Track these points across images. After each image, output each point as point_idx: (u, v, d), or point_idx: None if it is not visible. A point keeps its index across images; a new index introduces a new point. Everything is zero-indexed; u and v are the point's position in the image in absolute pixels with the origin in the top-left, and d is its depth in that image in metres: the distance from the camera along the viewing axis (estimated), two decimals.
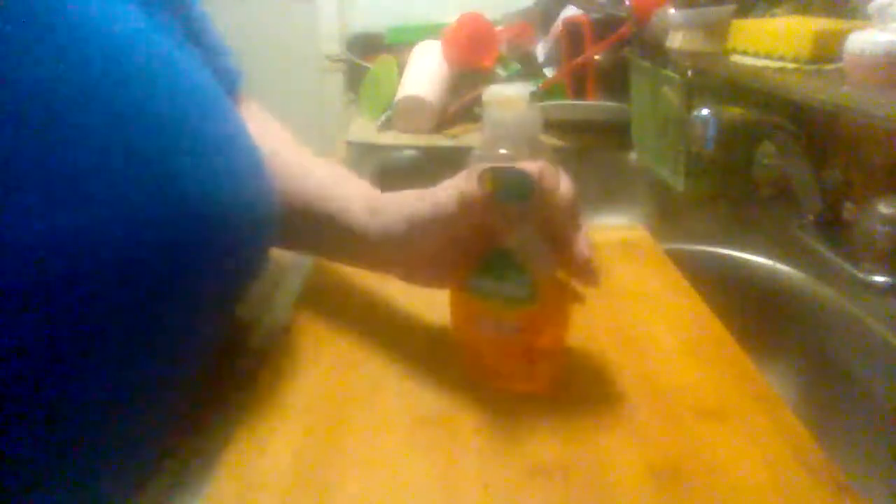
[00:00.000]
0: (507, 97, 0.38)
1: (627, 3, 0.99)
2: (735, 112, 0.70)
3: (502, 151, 0.38)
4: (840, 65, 0.60)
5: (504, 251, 0.39)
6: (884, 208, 0.60)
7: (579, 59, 1.11)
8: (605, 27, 1.08)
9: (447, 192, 0.41)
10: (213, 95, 0.40)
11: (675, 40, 0.82)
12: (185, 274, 0.34)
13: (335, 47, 1.73)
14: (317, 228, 0.49)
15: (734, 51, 0.75)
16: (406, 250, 0.44)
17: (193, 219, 0.33)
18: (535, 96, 0.35)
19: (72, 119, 0.29)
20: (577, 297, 0.45)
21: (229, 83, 0.52)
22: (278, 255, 0.65)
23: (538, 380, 0.43)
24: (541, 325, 0.41)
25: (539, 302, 0.39)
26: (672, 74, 0.85)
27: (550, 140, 1.08)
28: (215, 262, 0.36)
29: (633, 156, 1.02)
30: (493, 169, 0.38)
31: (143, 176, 0.31)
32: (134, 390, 0.34)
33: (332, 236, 0.49)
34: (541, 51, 1.26)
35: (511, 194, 0.38)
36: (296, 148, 0.54)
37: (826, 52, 0.64)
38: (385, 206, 0.46)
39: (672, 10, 0.82)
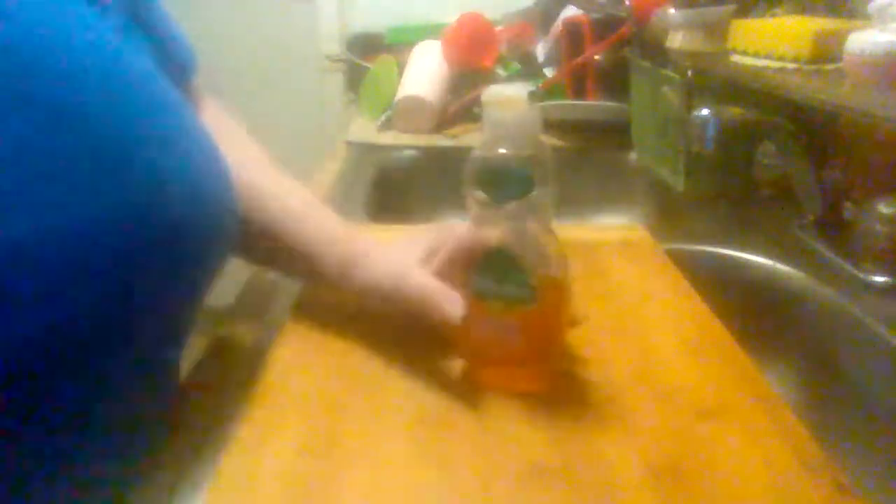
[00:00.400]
0: (507, 97, 0.39)
1: (627, 3, 0.99)
2: (735, 112, 0.70)
3: (502, 151, 0.39)
4: (840, 65, 0.60)
5: (502, 251, 0.39)
6: (884, 208, 0.60)
7: (579, 59, 1.11)
8: (605, 27, 1.08)
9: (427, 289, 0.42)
10: (158, 89, 0.38)
11: (675, 40, 0.82)
12: (139, 270, 0.33)
13: (335, 47, 1.73)
14: (288, 261, 0.50)
15: (734, 51, 0.75)
16: (383, 300, 0.46)
17: (142, 213, 0.32)
18: (534, 96, 0.35)
19: (5, 121, 0.28)
20: (576, 320, 0.46)
21: (182, 73, 0.49)
22: None
23: (539, 380, 0.43)
24: (541, 325, 0.41)
25: (539, 302, 0.39)
26: (672, 74, 0.85)
27: (551, 140, 1.08)
28: (172, 256, 0.35)
29: (633, 156, 1.02)
30: (490, 168, 0.38)
31: (84, 176, 0.30)
32: (101, 390, 0.33)
33: (303, 273, 0.50)
34: (541, 51, 1.26)
35: (507, 193, 0.38)
36: (265, 168, 0.52)
37: (826, 52, 0.64)
38: (364, 263, 0.47)
39: (672, 10, 0.82)
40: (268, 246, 0.49)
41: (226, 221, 0.40)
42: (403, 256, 0.47)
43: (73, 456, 0.33)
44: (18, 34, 0.30)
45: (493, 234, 0.40)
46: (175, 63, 0.47)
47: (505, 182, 0.39)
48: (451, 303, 0.41)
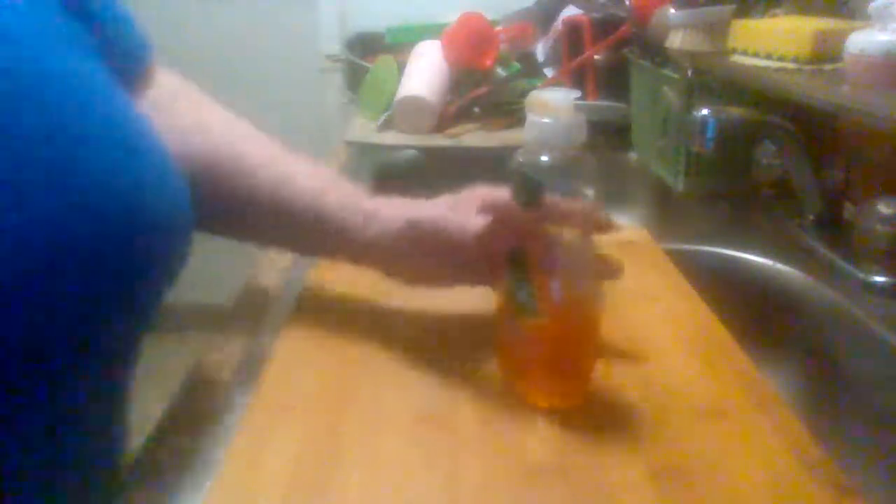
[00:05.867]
0: (551, 102, 0.38)
1: (627, 3, 0.99)
2: (735, 112, 0.70)
3: (544, 158, 0.38)
4: (840, 65, 0.60)
5: (517, 256, 0.39)
6: (884, 208, 0.60)
7: (579, 59, 1.11)
8: (605, 27, 1.08)
9: (461, 218, 0.41)
10: (102, 92, 0.37)
11: (675, 40, 0.82)
12: (92, 277, 0.32)
13: (335, 47, 1.73)
14: (303, 226, 0.48)
15: (734, 51, 0.74)
16: (398, 254, 0.44)
17: (91, 219, 0.32)
18: (578, 104, 0.36)
19: None
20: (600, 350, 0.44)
21: (134, 60, 0.47)
22: (278, 255, 0.65)
23: (554, 396, 0.41)
24: (548, 340, 0.40)
25: (545, 317, 0.39)
26: (672, 74, 0.85)
27: None
28: (124, 260, 0.34)
29: (633, 156, 1.02)
30: (511, 170, 0.38)
31: (30, 184, 0.29)
32: (69, 394, 0.33)
33: (320, 234, 0.47)
34: (541, 51, 1.26)
35: (518, 197, 0.38)
36: (267, 142, 0.51)
37: (826, 52, 0.64)
38: (386, 206, 0.46)
39: (672, 10, 0.82)
40: (275, 212, 0.47)
41: (173, 216, 0.38)
42: (420, 202, 0.47)
43: (44, 461, 0.33)
44: None
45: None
46: (122, 50, 0.44)
47: (517, 186, 0.39)
48: (467, 220, 0.39)
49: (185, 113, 0.49)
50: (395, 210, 0.46)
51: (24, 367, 0.30)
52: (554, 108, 0.38)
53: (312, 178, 0.49)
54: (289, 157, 0.50)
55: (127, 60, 0.45)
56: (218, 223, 0.49)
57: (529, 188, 0.38)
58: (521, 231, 0.39)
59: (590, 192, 0.39)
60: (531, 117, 0.38)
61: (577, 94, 0.39)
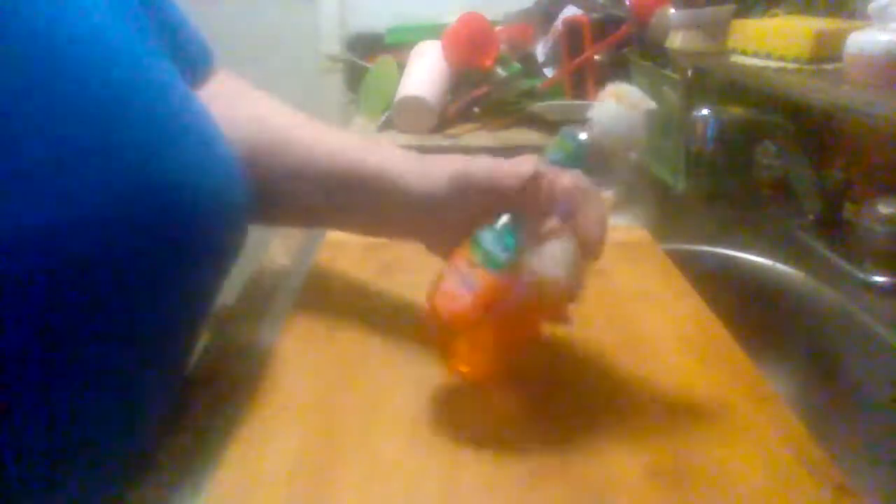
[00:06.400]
0: (631, 95, 0.39)
1: (627, 3, 0.99)
2: (735, 112, 0.70)
3: (582, 136, 0.39)
4: (840, 65, 0.60)
5: (521, 214, 0.39)
6: (884, 208, 0.60)
7: (579, 59, 1.11)
8: (605, 27, 1.08)
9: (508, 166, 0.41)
10: (171, 85, 0.38)
11: (675, 40, 0.82)
12: (153, 266, 0.33)
13: (335, 47, 1.73)
14: (350, 191, 0.47)
15: (734, 51, 0.75)
16: (449, 207, 0.43)
17: (158, 210, 0.33)
18: (650, 114, 0.37)
19: (21, 115, 0.29)
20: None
21: (198, 64, 0.50)
22: (278, 255, 0.65)
23: (471, 364, 0.41)
24: (493, 299, 0.38)
25: (505, 275, 0.38)
26: (672, 74, 0.85)
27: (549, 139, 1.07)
28: (185, 251, 0.35)
29: (633, 155, 1.02)
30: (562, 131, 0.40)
31: (93, 170, 0.30)
32: (113, 385, 0.34)
33: (367, 197, 0.47)
34: (541, 51, 1.26)
35: (557, 157, 0.39)
36: (316, 122, 0.52)
37: (826, 52, 0.64)
38: (430, 164, 0.45)
39: (672, 10, 0.82)
40: (332, 182, 0.48)
41: (234, 216, 0.40)
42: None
43: (72, 453, 0.33)
44: (42, 24, 0.31)
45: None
46: (190, 54, 0.47)
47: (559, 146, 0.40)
48: (519, 165, 0.40)
49: (242, 105, 0.51)
50: (444, 162, 0.45)
51: (76, 350, 0.31)
52: (629, 101, 0.39)
53: (362, 145, 0.49)
54: (336, 131, 0.51)
55: (191, 63, 0.47)
56: (275, 208, 0.49)
57: (574, 154, 0.39)
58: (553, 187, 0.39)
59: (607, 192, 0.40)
60: (606, 102, 0.39)
61: (654, 105, 0.39)
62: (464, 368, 0.42)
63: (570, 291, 0.39)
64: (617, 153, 0.39)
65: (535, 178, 0.39)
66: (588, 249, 0.38)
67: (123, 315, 0.32)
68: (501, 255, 0.38)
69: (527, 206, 0.39)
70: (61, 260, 0.29)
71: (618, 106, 0.39)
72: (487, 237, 0.39)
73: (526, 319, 0.42)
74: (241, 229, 0.42)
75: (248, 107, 0.51)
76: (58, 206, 0.29)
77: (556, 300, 0.40)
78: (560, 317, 0.42)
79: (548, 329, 0.46)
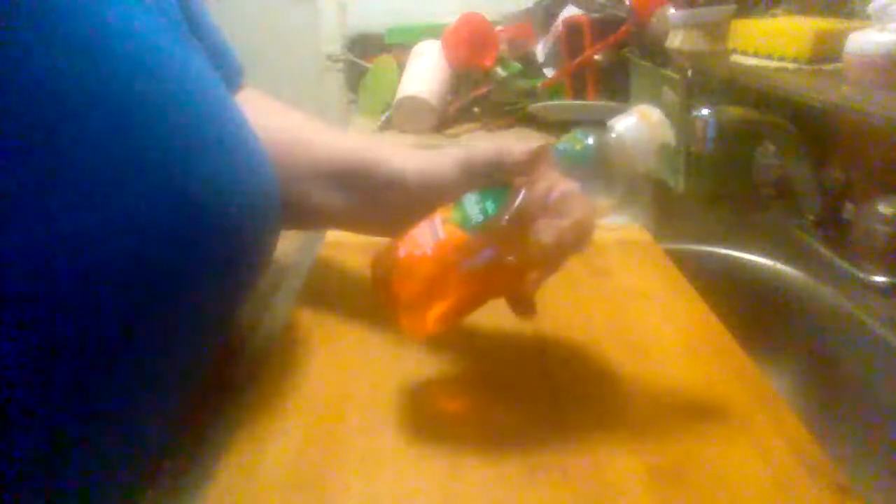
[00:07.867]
0: (655, 118, 0.40)
1: (627, 3, 0.99)
2: (735, 112, 0.70)
3: (590, 141, 0.40)
4: (840, 65, 0.60)
5: (517, 191, 0.39)
6: (884, 208, 0.60)
7: (579, 59, 1.11)
8: (605, 27, 1.08)
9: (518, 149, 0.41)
10: (218, 95, 0.40)
11: (675, 40, 0.82)
12: (190, 274, 0.33)
13: (335, 47, 1.73)
14: (353, 185, 0.48)
15: (734, 51, 0.74)
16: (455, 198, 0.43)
17: (198, 218, 0.33)
18: (667, 147, 0.38)
19: (77, 121, 0.29)
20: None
21: (232, 78, 0.52)
22: (278, 255, 0.65)
23: (420, 322, 0.40)
24: (452, 255, 0.38)
25: (475, 238, 0.38)
26: (672, 74, 0.85)
27: (550, 140, 1.07)
28: (221, 260, 0.36)
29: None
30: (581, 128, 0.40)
31: (147, 177, 0.31)
32: (140, 390, 0.34)
33: (377, 191, 0.48)
34: (541, 51, 1.26)
35: (565, 149, 0.40)
36: (320, 124, 0.54)
37: (826, 52, 0.64)
38: (436, 154, 0.46)
39: (672, 10, 0.82)
40: (346, 177, 0.49)
41: (270, 224, 0.42)
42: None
43: (104, 453, 0.33)
44: (93, 33, 0.31)
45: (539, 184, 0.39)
46: (226, 68, 0.49)
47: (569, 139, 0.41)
48: (518, 147, 0.41)
49: (269, 114, 0.52)
50: (451, 152, 0.46)
51: (113, 355, 0.31)
52: (651, 121, 0.39)
53: (371, 143, 0.51)
54: (342, 132, 0.53)
55: (226, 78, 0.48)
56: (288, 210, 0.49)
57: (580, 151, 0.39)
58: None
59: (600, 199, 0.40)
60: (632, 114, 0.40)
61: (671, 134, 0.40)
62: (407, 324, 0.41)
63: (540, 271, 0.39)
64: (622, 164, 0.40)
65: (540, 152, 0.39)
66: (542, 254, 0.38)
67: (157, 322, 0.32)
68: (476, 217, 0.39)
69: (527, 184, 0.39)
70: (96, 264, 0.29)
71: (639, 122, 0.40)
72: (471, 198, 0.40)
73: (485, 291, 0.41)
74: (276, 235, 0.43)
75: (270, 114, 0.52)
76: (103, 209, 0.29)
77: (521, 276, 0.40)
78: (523, 300, 0.41)
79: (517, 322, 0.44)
